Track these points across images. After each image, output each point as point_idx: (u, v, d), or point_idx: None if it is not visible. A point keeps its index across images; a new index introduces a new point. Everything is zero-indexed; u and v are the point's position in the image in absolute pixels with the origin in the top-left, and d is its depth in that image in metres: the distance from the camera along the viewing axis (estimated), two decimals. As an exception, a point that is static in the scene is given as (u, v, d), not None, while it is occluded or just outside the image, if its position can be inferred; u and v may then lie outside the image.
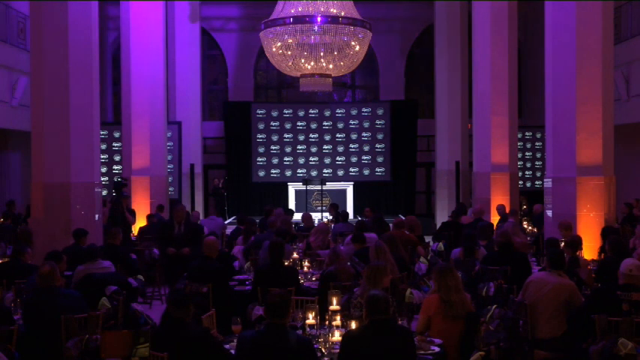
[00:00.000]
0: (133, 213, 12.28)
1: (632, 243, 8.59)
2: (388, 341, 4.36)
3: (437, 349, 4.91)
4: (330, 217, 12.92)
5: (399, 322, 5.03)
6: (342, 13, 11.75)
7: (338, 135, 20.73)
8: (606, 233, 8.45)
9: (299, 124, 20.75)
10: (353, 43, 11.97)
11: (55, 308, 5.48)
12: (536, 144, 18.04)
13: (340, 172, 20.66)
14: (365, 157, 20.70)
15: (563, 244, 7.97)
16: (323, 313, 5.32)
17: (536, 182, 17.85)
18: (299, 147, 20.74)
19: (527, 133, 18.07)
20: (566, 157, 9.26)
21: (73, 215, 8.98)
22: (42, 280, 5.65)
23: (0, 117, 13.96)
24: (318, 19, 11.42)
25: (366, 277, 5.70)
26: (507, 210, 12.09)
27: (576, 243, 7.67)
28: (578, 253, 7.66)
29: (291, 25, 11.58)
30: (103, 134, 14.77)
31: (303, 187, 18.02)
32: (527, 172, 18.02)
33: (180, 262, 9.22)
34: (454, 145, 18.37)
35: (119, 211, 11.51)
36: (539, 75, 11.47)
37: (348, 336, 4.52)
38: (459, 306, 5.29)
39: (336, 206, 13.15)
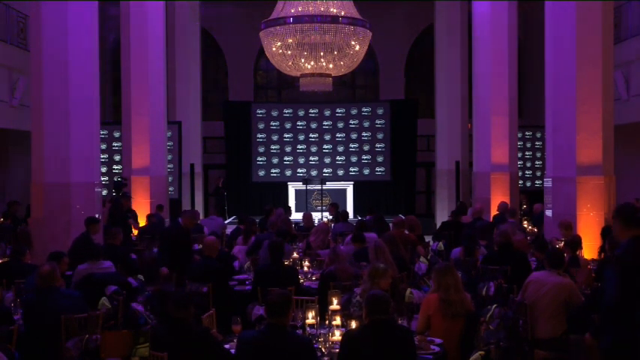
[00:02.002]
0: (135, 216, 12.26)
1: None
2: (388, 341, 4.36)
3: (437, 348, 4.90)
4: (330, 217, 12.91)
5: (399, 322, 5.02)
6: (342, 13, 11.76)
7: (338, 135, 20.73)
8: (606, 233, 8.44)
9: (299, 123, 20.76)
10: (353, 42, 11.96)
11: (55, 308, 5.48)
12: (536, 144, 18.01)
13: (340, 172, 20.66)
14: (365, 157, 20.71)
15: (562, 243, 7.97)
16: (323, 312, 5.32)
17: (536, 182, 17.83)
18: (299, 147, 20.74)
19: (527, 133, 18.04)
20: (566, 156, 9.26)
21: (73, 215, 8.96)
22: (42, 280, 5.64)
23: (0, 117, 13.95)
24: (318, 18, 11.45)
25: (368, 277, 5.70)
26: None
27: (576, 243, 7.68)
28: (578, 253, 7.66)
29: (291, 25, 11.60)
30: (103, 134, 14.75)
31: (303, 187, 18.04)
32: (527, 172, 18.00)
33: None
34: (454, 145, 18.37)
35: (120, 211, 11.49)
36: (539, 75, 11.45)
37: (348, 336, 4.52)
38: (458, 305, 5.29)
39: (336, 206, 13.15)
